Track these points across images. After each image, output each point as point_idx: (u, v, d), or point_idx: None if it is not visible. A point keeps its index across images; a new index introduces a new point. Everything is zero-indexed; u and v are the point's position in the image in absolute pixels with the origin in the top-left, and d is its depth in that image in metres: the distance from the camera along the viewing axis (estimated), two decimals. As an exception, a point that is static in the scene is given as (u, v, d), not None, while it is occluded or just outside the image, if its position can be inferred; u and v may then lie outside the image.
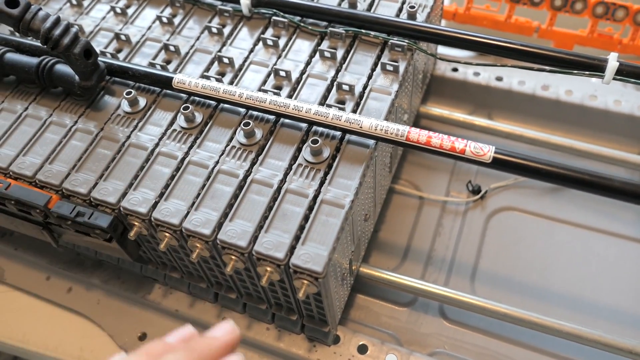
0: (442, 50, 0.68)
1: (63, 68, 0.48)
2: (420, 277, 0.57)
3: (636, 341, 0.48)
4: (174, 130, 0.47)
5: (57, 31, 0.43)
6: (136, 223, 0.43)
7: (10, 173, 0.46)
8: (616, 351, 0.48)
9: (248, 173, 0.44)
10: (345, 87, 0.47)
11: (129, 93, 0.48)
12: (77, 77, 0.47)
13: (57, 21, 0.43)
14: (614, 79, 0.45)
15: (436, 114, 0.65)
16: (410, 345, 0.53)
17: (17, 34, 0.54)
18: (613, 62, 0.44)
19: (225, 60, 0.50)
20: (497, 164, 0.40)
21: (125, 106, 0.48)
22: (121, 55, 0.52)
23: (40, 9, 0.43)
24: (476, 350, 0.53)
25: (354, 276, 0.52)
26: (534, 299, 0.55)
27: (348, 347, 0.50)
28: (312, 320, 0.48)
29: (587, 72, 0.45)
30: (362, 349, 0.50)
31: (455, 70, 0.69)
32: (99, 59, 0.48)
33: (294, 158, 0.44)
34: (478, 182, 0.63)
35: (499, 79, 0.67)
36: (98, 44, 0.54)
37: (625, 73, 0.44)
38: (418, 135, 0.41)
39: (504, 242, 0.59)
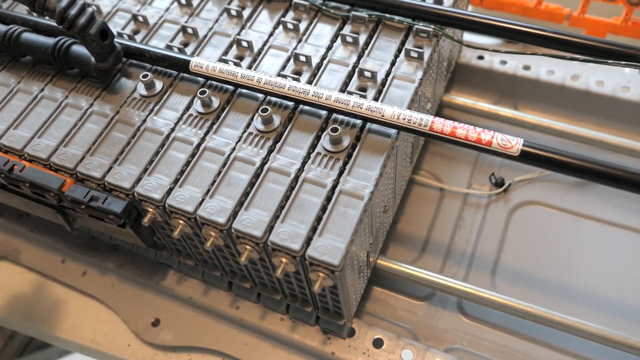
0: (468, 37, 0.66)
1: (79, 49, 0.47)
2: (439, 271, 0.56)
3: (664, 345, 0.46)
4: (190, 115, 0.46)
5: (73, 11, 0.42)
6: (150, 209, 0.42)
7: (25, 155, 0.45)
8: (642, 354, 0.46)
9: (265, 161, 0.42)
10: (367, 74, 0.45)
11: (145, 76, 0.47)
12: (93, 59, 0.46)
13: (73, 1, 0.42)
14: (651, 70, 0.42)
15: (460, 103, 0.63)
16: (427, 341, 0.52)
17: (34, 13, 0.53)
18: (651, 51, 0.42)
19: (244, 44, 0.49)
20: (525, 157, 0.38)
21: (142, 89, 0.47)
22: (138, 37, 0.51)
23: (56, -13, 0.42)
24: (495, 347, 0.51)
25: (371, 268, 0.51)
26: (557, 297, 0.53)
27: (363, 340, 0.49)
28: (327, 313, 0.47)
29: (623, 62, 0.43)
30: (378, 343, 0.49)
31: (480, 58, 0.66)
32: (116, 40, 0.47)
33: (313, 146, 0.43)
34: (501, 174, 0.61)
35: (527, 68, 0.65)
36: (115, 25, 0.53)
37: (664, 64, 0.42)
38: (442, 125, 0.40)
39: (527, 237, 0.57)
